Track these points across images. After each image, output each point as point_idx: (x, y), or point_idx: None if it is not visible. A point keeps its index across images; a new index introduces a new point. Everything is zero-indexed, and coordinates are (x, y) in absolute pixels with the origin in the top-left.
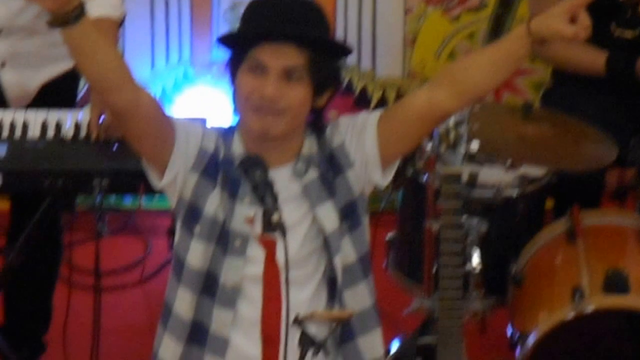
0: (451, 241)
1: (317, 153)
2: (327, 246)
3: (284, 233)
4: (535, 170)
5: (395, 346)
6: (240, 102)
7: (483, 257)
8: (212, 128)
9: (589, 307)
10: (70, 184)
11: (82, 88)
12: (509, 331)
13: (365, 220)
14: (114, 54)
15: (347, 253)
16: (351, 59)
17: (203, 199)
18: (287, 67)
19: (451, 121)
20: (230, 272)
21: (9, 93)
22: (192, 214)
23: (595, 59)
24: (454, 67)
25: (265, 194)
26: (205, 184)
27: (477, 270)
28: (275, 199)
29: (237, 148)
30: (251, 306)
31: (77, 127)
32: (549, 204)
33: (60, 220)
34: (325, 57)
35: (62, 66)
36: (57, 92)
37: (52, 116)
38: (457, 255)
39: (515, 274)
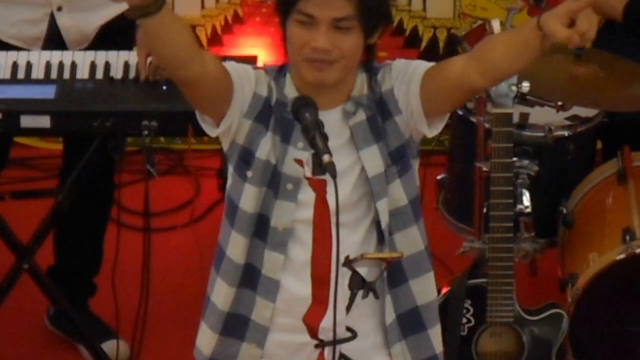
0: (501, 182)
1: (367, 94)
2: (370, 190)
3: (334, 175)
4: (586, 111)
5: (445, 287)
6: (292, 52)
7: (533, 199)
8: (264, 69)
9: None
10: (119, 125)
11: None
12: (559, 273)
13: (416, 165)
14: (186, 32)
15: (397, 197)
16: None
17: (256, 143)
18: (336, 17)
19: None
20: (281, 215)
21: (68, 36)
22: (245, 158)
23: (615, 3)
24: (486, 44)
25: (315, 135)
26: (258, 129)
27: (528, 212)
28: (326, 139)
29: (290, 91)
30: (302, 249)
31: (126, 68)
32: (600, 144)
33: (112, 161)
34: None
35: (119, 8)
36: (116, 34)
37: (101, 57)
38: (507, 196)
39: (566, 215)
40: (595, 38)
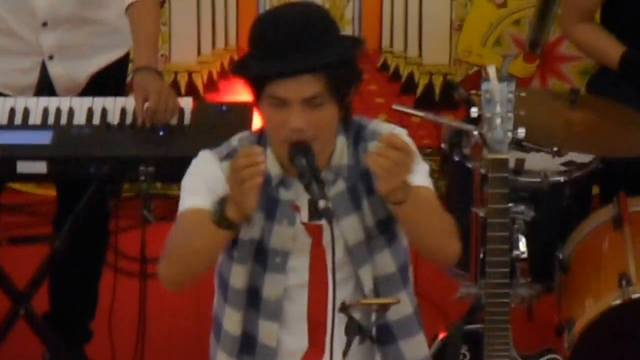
0: (498, 227)
1: (348, 165)
2: (351, 258)
3: (330, 220)
4: (581, 157)
5: (441, 334)
6: (270, 132)
7: (530, 244)
8: (232, 153)
9: (636, 294)
10: (116, 171)
11: (129, 75)
12: (556, 318)
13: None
14: None
15: (385, 264)
16: (398, 46)
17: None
18: (307, 97)
19: (498, 107)
20: (272, 287)
21: (58, 84)
22: (234, 241)
23: (612, 51)
24: None
25: (312, 181)
26: None
27: (524, 257)
28: (322, 185)
29: (272, 166)
30: (296, 306)
31: (123, 113)
32: (596, 190)
33: (107, 206)
34: (342, 70)
35: (110, 56)
36: (106, 82)
37: (98, 103)
38: (503, 241)
39: (562, 260)
40: (590, 82)
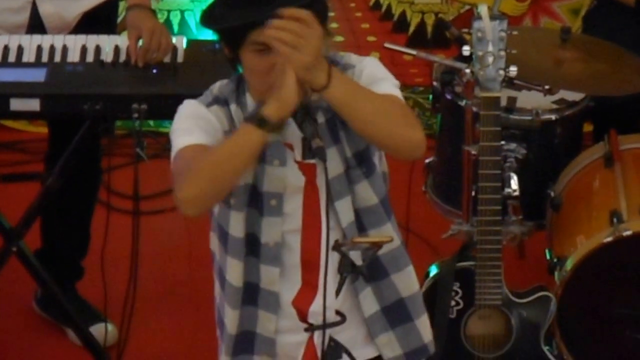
0: (489, 165)
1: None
2: (328, 191)
3: (324, 158)
4: (573, 95)
5: (433, 270)
6: (255, 79)
7: (521, 182)
8: (216, 98)
9: (627, 231)
10: (109, 108)
11: (121, 14)
12: (547, 255)
13: (381, 165)
14: None
15: (367, 197)
16: None
17: None
18: None
19: (490, 46)
20: (270, 231)
21: (48, 23)
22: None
23: None
24: None
25: (305, 120)
26: None
27: (515, 195)
28: (315, 124)
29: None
30: (292, 255)
31: (117, 51)
32: (587, 128)
33: (100, 144)
34: (320, 5)
35: None
36: (96, 22)
37: (92, 41)
38: (495, 179)
39: (553, 198)
40: (586, 16)
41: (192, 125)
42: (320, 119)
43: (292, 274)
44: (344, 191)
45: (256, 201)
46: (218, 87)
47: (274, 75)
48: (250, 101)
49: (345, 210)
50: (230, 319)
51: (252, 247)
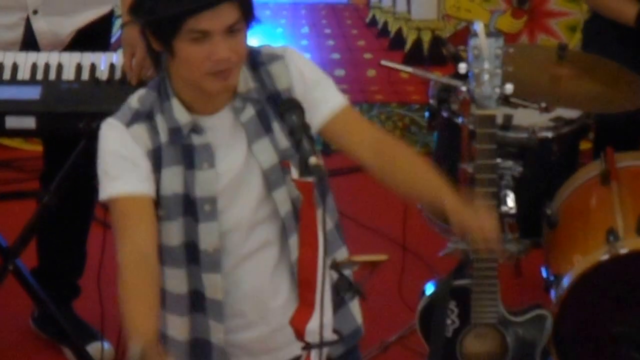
0: (486, 183)
1: (255, 87)
2: (266, 182)
3: (321, 176)
4: (569, 113)
5: (430, 288)
6: (189, 70)
7: (518, 199)
8: (135, 113)
9: (624, 249)
10: None
11: (115, 33)
12: (544, 273)
13: None
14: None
15: (293, 189)
16: (386, 1)
17: (158, 184)
18: (229, 25)
19: (486, 63)
20: (207, 237)
21: (42, 40)
22: (155, 201)
23: (627, 10)
24: (399, 157)
25: (302, 138)
26: (157, 173)
27: (512, 213)
28: (312, 142)
29: (180, 114)
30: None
31: (112, 69)
32: (584, 145)
33: (95, 162)
34: None
35: (95, 12)
36: (90, 39)
37: (87, 58)
38: (491, 197)
39: (550, 216)
40: (585, 26)
41: (117, 168)
42: (250, 111)
43: (236, 276)
44: (279, 182)
45: (190, 208)
46: (137, 98)
47: None
48: (176, 105)
49: (281, 201)
50: (178, 325)
51: (192, 254)
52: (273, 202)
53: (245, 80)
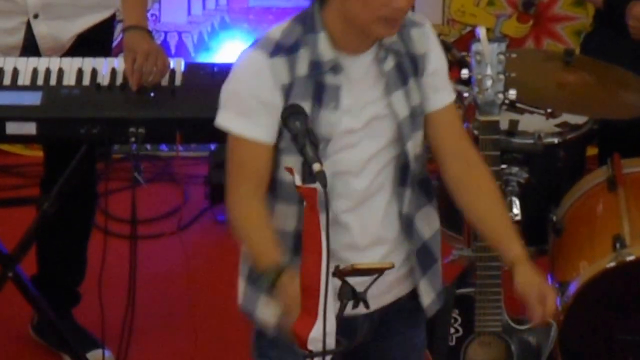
0: None
1: (397, 41)
2: (400, 133)
3: (324, 184)
4: (576, 118)
5: None
6: (364, 11)
7: (523, 206)
8: (279, 48)
9: (630, 256)
10: (106, 133)
11: (117, 37)
12: (550, 281)
13: None
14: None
15: (418, 144)
16: None
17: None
18: None
19: (488, 69)
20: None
21: (43, 44)
22: (279, 133)
23: None
24: (476, 180)
25: (306, 144)
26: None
27: (517, 220)
28: (316, 147)
29: (325, 50)
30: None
31: (113, 74)
32: (590, 151)
33: (96, 168)
34: None
35: (96, 17)
36: (92, 43)
37: (88, 63)
38: None
39: (556, 223)
40: (585, 40)
41: (248, 107)
42: (391, 62)
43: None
44: (409, 135)
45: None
46: (280, 32)
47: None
48: (322, 39)
49: (411, 153)
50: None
51: None
52: (399, 152)
53: None
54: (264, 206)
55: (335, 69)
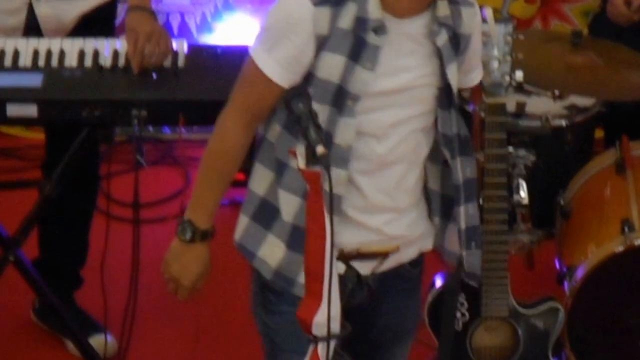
0: (496, 173)
1: (449, 17)
2: (449, 101)
3: (328, 166)
4: (584, 100)
5: (439, 281)
6: None
7: (530, 189)
8: (322, 2)
9: (639, 240)
10: (108, 115)
11: (119, 17)
12: (557, 265)
13: None
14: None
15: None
16: None
17: (318, 66)
18: None
19: (495, 50)
20: (344, 132)
21: (45, 25)
22: (306, 78)
23: None
24: None
25: (309, 126)
26: (317, 54)
27: (525, 203)
28: (320, 130)
29: (374, 9)
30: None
31: (115, 56)
32: (598, 134)
33: (98, 151)
34: None
35: None
36: (94, 24)
37: (90, 44)
38: (502, 187)
39: (563, 206)
40: (591, 25)
41: (281, 49)
42: (445, 36)
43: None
44: (452, 61)
45: (338, 100)
46: None
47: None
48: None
49: (452, 75)
50: (289, 205)
51: (324, 144)
52: (430, 124)
53: (443, 6)
54: (249, 141)
55: (380, 29)
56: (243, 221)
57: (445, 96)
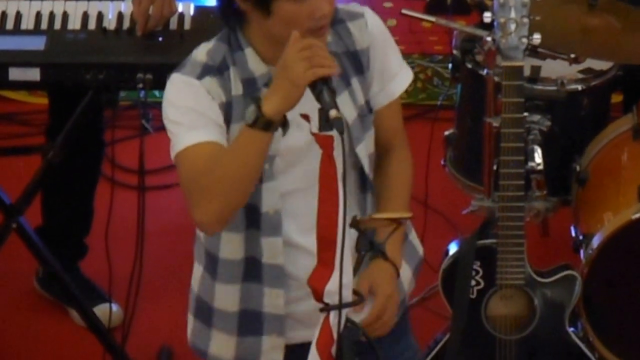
0: (512, 138)
1: (333, 42)
2: (349, 136)
3: (342, 130)
4: (600, 64)
5: (453, 248)
6: (286, 29)
7: (545, 155)
8: (206, 70)
9: None
10: (113, 78)
11: None
12: (573, 232)
13: None
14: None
15: (371, 143)
16: None
17: (229, 141)
18: None
19: (512, 12)
20: (269, 198)
21: None
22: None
23: None
24: (388, 159)
25: (323, 90)
26: (233, 129)
27: (540, 169)
28: (334, 94)
29: (256, 65)
30: (292, 221)
31: (120, 18)
32: (615, 99)
33: (103, 116)
34: None
35: None
36: None
37: (94, 7)
38: (518, 153)
39: (579, 172)
40: None
41: (192, 116)
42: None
43: (295, 243)
44: (360, 138)
45: None
46: (205, 53)
47: (278, 67)
48: (250, 55)
49: (362, 155)
50: (229, 295)
51: (252, 218)
52: (355, 157)
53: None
54: None
55: (270, 83)
56: (189, 320)
57: (360, 120)
